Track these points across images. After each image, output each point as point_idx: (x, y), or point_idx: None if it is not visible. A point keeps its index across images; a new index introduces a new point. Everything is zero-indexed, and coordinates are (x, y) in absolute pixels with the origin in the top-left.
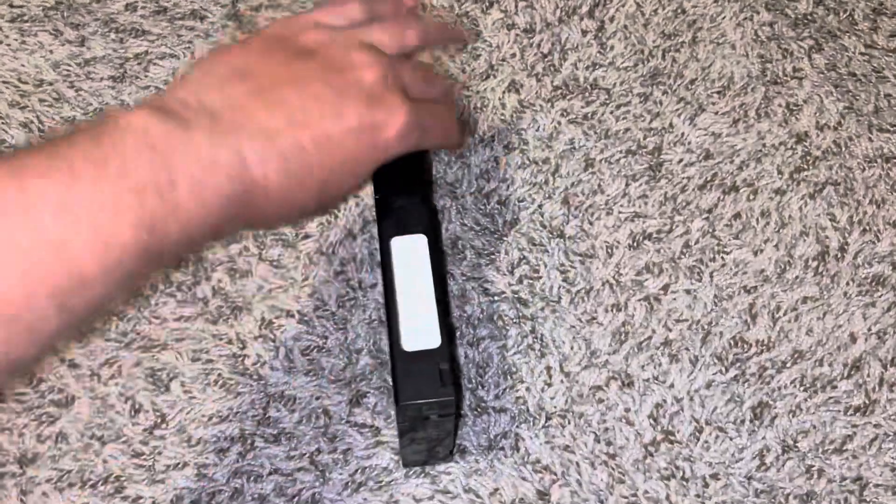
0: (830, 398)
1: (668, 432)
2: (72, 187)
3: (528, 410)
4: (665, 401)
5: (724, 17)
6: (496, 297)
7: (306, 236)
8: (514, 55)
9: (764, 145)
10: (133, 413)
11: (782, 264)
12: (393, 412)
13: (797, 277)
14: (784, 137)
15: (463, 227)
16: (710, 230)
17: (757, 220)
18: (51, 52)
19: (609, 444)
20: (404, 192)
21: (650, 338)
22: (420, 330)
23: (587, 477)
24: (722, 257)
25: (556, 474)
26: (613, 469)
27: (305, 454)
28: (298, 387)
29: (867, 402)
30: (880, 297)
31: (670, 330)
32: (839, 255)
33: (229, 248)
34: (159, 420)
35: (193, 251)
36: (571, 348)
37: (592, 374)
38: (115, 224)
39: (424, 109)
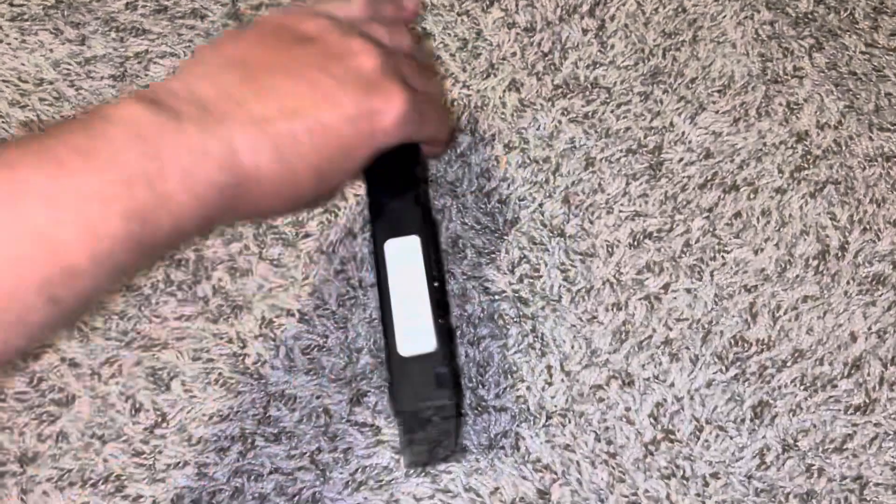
0: (831, 397)
1: (668, 431)
2: (60, 178)
3: (528, 409)
4: (665, 400)
5: (724, 16)
6: (497, 296)
7: (307, 235)
8: (514, 54)
9: (764, 144)
10: (133, 412)
11: (783, 263)
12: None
13: (797, 276)
14: (784, 136)
15: (463, 226)
16: (711, 229)
17: (757, 219)
18: (51, 50)
19: (609, 443)
20: (397, 192)
21: (650, 337)
22: (415, 334)
23: (587, 476)
24: (722, 256)
25: (556, 473)
26: (614, 468)
27: (306, 453)
28: (299, 386)
29: (867, 401)
30: (881, 296)
31: (671, 329)
32: (839, 254)
33: (230, 247)
34: (160, 419)
35: (186, 243)
36: (572, 347)
37: (593, 373)
38: (104, 215)
39: (422, 99)
